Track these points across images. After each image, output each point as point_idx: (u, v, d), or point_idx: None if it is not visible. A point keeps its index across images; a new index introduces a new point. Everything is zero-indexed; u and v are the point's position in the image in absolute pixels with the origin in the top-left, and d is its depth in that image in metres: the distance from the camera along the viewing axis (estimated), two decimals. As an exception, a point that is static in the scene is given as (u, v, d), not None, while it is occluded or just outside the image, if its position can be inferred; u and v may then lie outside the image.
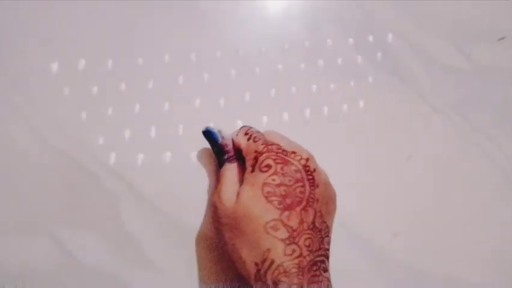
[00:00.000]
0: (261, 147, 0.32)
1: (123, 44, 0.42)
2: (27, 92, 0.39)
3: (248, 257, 0.29)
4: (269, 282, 0.28)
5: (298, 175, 0.31)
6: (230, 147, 0.36)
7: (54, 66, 0.40)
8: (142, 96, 0.41)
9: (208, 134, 0.36)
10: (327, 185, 0.33)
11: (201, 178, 0.39)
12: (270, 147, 0.32)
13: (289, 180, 0.31)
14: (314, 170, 0.32)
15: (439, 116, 0.46)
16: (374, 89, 0.45)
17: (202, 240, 0.37)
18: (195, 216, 0.38)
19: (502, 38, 0.50)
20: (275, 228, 0.29)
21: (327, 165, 0.41)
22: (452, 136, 0.45)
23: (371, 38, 0.47)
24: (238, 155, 0.35)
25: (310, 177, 0.31)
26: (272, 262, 0.28)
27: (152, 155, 0.39)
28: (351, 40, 0.47)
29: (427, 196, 0.43)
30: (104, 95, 0.40)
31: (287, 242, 0.29)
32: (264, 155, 0.32)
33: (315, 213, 0.30)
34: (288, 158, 0.32)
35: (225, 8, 0.46)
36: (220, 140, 0.36)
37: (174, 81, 0.42)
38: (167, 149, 0.40)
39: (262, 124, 0.42)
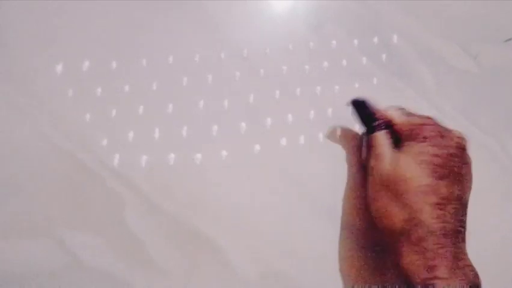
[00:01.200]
0: (417, 120, 0.35)
1: (127, 46, 0.42)
2: (32, 94, 0.39)
3: (398, 214, 0.32)
4: (414, 238, 0.31)
5: (451, 150, 0.33)
6: (380, 115, 0.38)
7: (59, 68, 0.40)
8: (146, 97, 0.41)
9: (358, 102, 0.39)
10: (471, 167, 0.35)
11: (206, 179, 0.39)
12: (426, 120, 0.35)
13: (443, 153, 0.33)
14: (465, 148, 0.34)
15: (445, 118, 0.45)
16: (378, 90, 0.45)
17: (347, 228, 0.39)
18: (200, 217, 0.38)
19: (509, 39, 0.50)
20: (426, 193, 0.31)
21: (333, 166, 0.41)
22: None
23: (376, 39, 0.47)
24: (387, 127, 0.37)
25: (462, 154, 0.34)
26: (420, 221, 0.31)
27: (156, 157, 0.39)
28: (356, 41, 0.47)
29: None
30: (108, 96, 0.40)
31: (436, 207, 0.31)
32: (422, 127, 0.34)
33: (462, 188, 0.33)
34: (444, 133, 0.34)
35: (229, 9, 0.46)
36: (370, 108, 0.39)
37: (178, 83, 0.42)
38: (171, 151, 0.40)
39: (267, 126, 0.42)
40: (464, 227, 0.33)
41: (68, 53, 0.41)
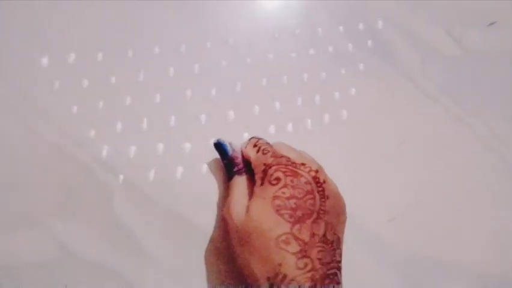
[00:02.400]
0: (270, 160, 0.32)
1: (113, 37, 0.42)
2: (18, 86, 0.39)
3: (260, 272, 0.29)
4: None
5: (308, 187, 0.31)
6: (240, 159, 0.36)
7: (44, 60, 0.40)
8: (133, 88, 0.41)
9: (219, 146, 0.37)
10: (337, 196, 0.33)
11: (194, 168, 0.39)
12: (279, 159, 0.32)
13: (300, 193, 0.30)
14: (324, 181, 0.31)
15: (431, 101, 0.46)
16: (365, 76, 0.45)
17: (212, 253, 0.37)
18: (189, 206, 0.38)
19: (492, 23, 0.50)
20: (286, 242, 0.29)
21: (321, 153, 0.42)
22: (444, 121, 0.45)
23: (361, 26, 0.47)
24: (248, 168, 0.35)
25: (320, 188, 0.31)
26: (285, 276, 0.28)
27: (144, 147, 0.39)
28: (341, 28, 0.47)
29: (421, 180, 0.43)
30: (94, 88, 0.40)
31: (299, 255, 0.28)
32: (273, 167, 0.31)
33: (326, 225, 0.30)
34: (298, 170, 0.31)
35: (214, -2, 0.46)
36: (230, 153, 0.36)
37: (165, 73, 0.42)
38: (160, 141, 0.40)
39: (254, 114, 0.42)
40: (337, 267, 0.30)
41: (53, 45, 0.41)
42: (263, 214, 0.30)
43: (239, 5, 0.46)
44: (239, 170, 0.35)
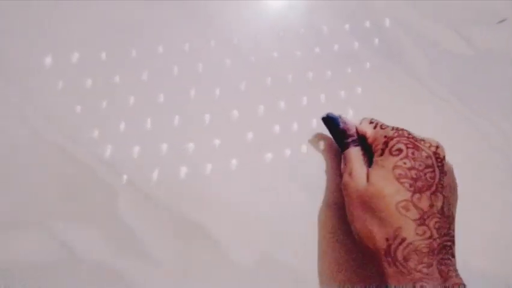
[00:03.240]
0: (391, 133, 0.34)
1: (116, 36, 0.42)
2: (21, 86, 0.39)
3: (379, 233, 0.30)
4: (399, 257, 0.29)
5: (429, 161, 0.32)
6: (353, 131, 0.37)
7: (48, 60, 0.40)
8: (137, 88, 0.41)
9: (329, 119, 0.38)
10: (453, 175, 0.34)
11: (198, 168, 0.39)
12: (400, 132, 0.33)
13: (420, 165, 0.31)
14: (444, 157, 0.33)
15: (439, 100, 0.45)
16: (371, 75, 0.45)
17: (329, 219, 0.39)
18: (192, 206, 0.38)
19: (502, 21, 0.49)
20: (406, 208, 0.30)
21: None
22: (451, 120, 0.45)
23: (367, 24, 0.47)
24: (361, 141, 0.37)
25: (440, 164, 0.32)
26: (403, 239, 0.29)
27: (148, 147, 0.39)
28: (347, 26, 0.46)
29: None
30: (98, 87, 0.40)
31: (418, 222, 0.30)
32: (395, 139, 0.33)
33: (444, 199, 0.31)
34: (419, 144, 0.32)
35: (218, -3, 0.45)
36: (341, 125, 0.37)
37: (168, 72, 0.42)
38: (163, 141, 0.39)
39: (259, 113, 0.42)
40: (452, 241, 0.31)
41: (56, 45, 0.41)
42: (384, 180, 0.31)
43: (243, 4, 0.45)
44: (353, 141, 0.37)
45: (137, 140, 0.39)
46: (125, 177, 0.38)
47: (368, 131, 0.36)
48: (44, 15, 0.42)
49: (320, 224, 0.39)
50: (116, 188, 0.38)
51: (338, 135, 0.38)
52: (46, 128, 0.38)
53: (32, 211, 0.36)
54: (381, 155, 0.33)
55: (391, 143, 0.33)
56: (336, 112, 0.39)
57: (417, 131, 0.43)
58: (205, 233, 0.37)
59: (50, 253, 0.36)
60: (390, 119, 0.43)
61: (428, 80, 0.45)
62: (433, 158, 0.32)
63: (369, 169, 0.33)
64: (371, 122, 0.36)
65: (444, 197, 0.31)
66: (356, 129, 0.37)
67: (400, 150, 0.32)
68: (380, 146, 0.33)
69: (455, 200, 0.34)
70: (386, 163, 0.32)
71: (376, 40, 0.46)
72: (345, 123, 0.37)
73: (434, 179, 0.31)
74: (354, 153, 0.36)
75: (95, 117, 0.39)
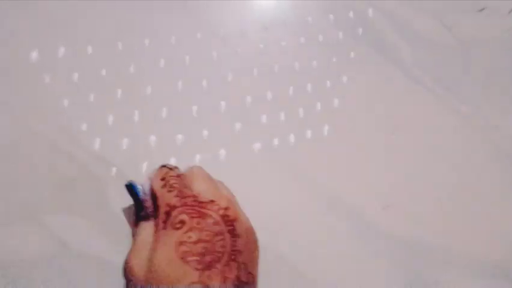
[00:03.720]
0: (174, 200, 0.29)
1: (102, 30, 0.42)
2: (8, 82, 0.39)
3: None
4: None
5: (217, 228, 0.28)
6: (149, 203, 0.32)
7: (34, 55, 0.40)
8: (124, 81, 0.41)
9: (130, 187, 0.32)
10: (249, 232, 0.31)
11: (187, 159, 0.39)
12: (183, 200, 0.29)
13: (207, 235, 0.28)
14: (235, 219, 0.29)
15: (423, 88, 0.46)
16: (356, 64, 0.46)
17: None
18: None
19: (483, 9, 0.50)
20: None
21: (313, 142, 0.42)
22: (436, 108, 0.46)
23: (351, 14, 0.47)
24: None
25: (231, 227, 0.29)
26: None
27: (136, 139, 0.39)
28: (331, 16, 0.47)
29: (415, 167, 0.43)
30: (85, 81, 0.40)
31: None
32: (177, 209, 0.29)
33: (239, 266, 0.28)
34: (205, 210, 0.29)
35: (203, -10, 0.45)
36: (141, 195, 0.32)
37: (155, 65, 0.42)
38: (152, 132, 0.40)
39: (246, 104, 0.42)
40: None
41: (42, 40, 0.41)
42: (167, 264, 0.27)
43: (228, -4, 0.46)
44: (146, 214, 0.32)
45: (126, 132, 0.39)
46: (114, 169, 0.38)
47: (157, 190, 0.31)
48: (30, 11, 0.42)
49: (310, 213, 0.40)
50: (107, 180, 0.38)
51: (137, 206, 0.33)
52: (34, 122, 0.38)
53: (23, 205, 0.36)
54: (165, 228, 0.29)
55: (173, 214, 0.28)
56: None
57: (402, 120, 0.44)
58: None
59: (42, 246, 0.36)
60: (376, 108, 0.44)
61: (411, 68, 0.46)
62: (222, 224, 0.28)
63: (153, 249, 0.28)
64: (162, 179, 0.31)
65: (239, 263, 0.28)
66: (151, 186, 0.32)
67: (183, 222, 0.28)
68: (162, 217, 0.29)
69: (257, 256, 0.31)
70: (169, 239, 0.28)
71: (360, 30, 0.47)
72: (145, 194, 0.32)
73: (226, 247, 0.28)
74: (141, 230, 0.31)
75: (83, 111, 0.39)
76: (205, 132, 0.41)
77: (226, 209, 0.29)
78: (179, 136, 0.40)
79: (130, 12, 0.43)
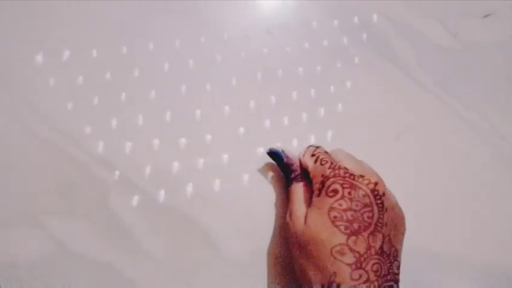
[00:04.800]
0: (327, 172, 0.32)
1: (107, 33, 0.42)
2: (13, 85, 0.39)
3: (315, 279, 0.30)
4: None
5: (366, 200, 0.31)
6: (296, 165, 0.36)
7: (39, 58, 0.40)
8: (128, 84, 0.41)
9: (272, 154, 0.38)
10: (396, 208, 0.33)
11: (190, 163, 0.39)
12: (337, 171, 0.32)
13: (357, 205, 0.30)
14: (383, 193, 0.31)
15: (427, 94, 0.46)
16: (360, 69, 0.45)
17: (271, 257, 0.38)
18: (185, 201, 0.38)
19: (488, 15, 0.50)
20: (341, 253, 0.29)
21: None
22: (441, 113, 0.45)
23: (356, 19, 0.47)
24: (305, 174, 0.36)
25: (379, 201, 0.31)
26: (339, 286, 0.28)
27: (140, 143, 0.39)
28: (336, 22, 0.47)
29: (418, 173, 0.43)
30: (89, 84, 0.40)
31: (353, 266, 0.29)
32: (331, 179, 0.32)
33: (384, 238, 0.30)
34: (356, 182, 0.31)
35: (208, -6, 0.46)
36: (284, 159, 0.37)
37: (160, 69, 0.42)
38: (155, 136, 0.40)
39: (250, 108, 0.42)
40: (394, 279, 0.30)
41: (47, 42, 0.41)
42: (320, 224, 0.30)
43: (233, 0, 0.46)
44: (296, 176, 0.36)
45: (129, 136, 0.39)
46: (117, 172, 0.38)
47: (310, 165, 0.35)
48: (34, 13, 0.42)
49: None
50: (109, 184, 0.38)
51: (283, 169, 0.37)
52: (38, 125, 0.38)
53: (25, 207, 0.36)
54: (319, 195, 0.32)
55: (327, 183, 0.32)
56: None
57: (406, 124, 0.44)
58: (197, 227, 0.38)
59: (43, 249, 0.36)
60: (380, 113, 0.44)
61: (416, 73, 0.46)
62: (371, 197, 0.31)
63: (308, 210, 0.32)
64: (312, 155, 0.35)
65: (384, 235, 0.30)
66: (300, 162, 0.36)
67: (336, 191, 0.31)
68: (318, 185, 0.32)
69: (402, 232, 0.33)
70: (322, 205, 0.31)
71: (364, 35, 0.47)
72: (288, 157, 0.37)
73: (372, 218, 0.30)
74: (295, 191, 0.35)
75: (87, 114, 0.39)
76: (208, 137, 0.41)
77: (375, 184, 0.32)
78: (183, 140, 0.40)
79: (135, 16, 0.43)
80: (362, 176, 0.32)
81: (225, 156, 0.40)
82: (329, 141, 0.42)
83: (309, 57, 0.45)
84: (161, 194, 0.38)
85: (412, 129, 0.44)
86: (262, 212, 0.39)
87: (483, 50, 0.49)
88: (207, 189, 0.39)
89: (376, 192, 0.31)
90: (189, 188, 0.39)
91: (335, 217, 0.30)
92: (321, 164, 0.33)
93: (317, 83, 0.44)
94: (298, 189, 0.35)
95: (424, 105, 0.45)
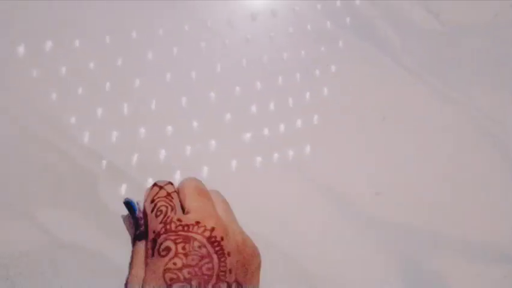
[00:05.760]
0: (158, 227, 0.29)
1: (89, 23, 0.42)
2: (-5, 77, 0.39)
3: None
4: None
5: (203, 250, 0.28)
6: (143, 222, 0.32)
7: (21, 49, 0.40)
8: (112, 73, 0.41)
9: (127, 205, 0.34)
10: (242, 246, 0.30)
11: (177, 151, 0.39)
12: (168, 226, 0.29)
13: (193, 259, 0.28)
14: (221, 238, 0.29)
15: (412, 76, 0.46)
16: (345, 53, 0.46)
17: None
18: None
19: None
20: None
21: (303, 131, 0.42)
22: (425, 95, 0.46)
23: (338, 3, 0.47)
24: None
25: (218, 247, 0.29)
26: None
27: (126, 132, 0.39)
28: (318, 6, 0.47)
29: (405, 154, 0.43)
30: (73, 74, 0.40)
31: None
32: (162, 236, 0.29)
33: (229, 285, 0.28)
34: (190, 234, 0.29)
35: (190, -19, 0.45)
36: (136, 213, 0.33)
37: (143, 57, 0.42)
38: (141, 125, 0.40)
39: (236, 94, 0.42)
40: None
41: (29, 34, 0.41)
42: None
43: (216, -13, 0.46)
44: (140, 233, 0.32)
45: (115, 125, 0.39)
46: (104, 162, 0.38)
47: (148, 215, 0.31)
48: (16, 5, 0.41)
49: (300, 202, 0.40)
50: (97, 173, 0.38)
51: (134, 223, 0.33)
52: (23, 117, 0.38)
53: (13, 199, 0.36)
54: (152, 255, 0.29)
55: (159, 241, 0.29)
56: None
57: (392, 107, 0.44)
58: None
59: (34, 241, 0.36)
60: (365, 96, 0.44)
61: (400, 56, 0.46)
62: (208, 246, 0.28)
63: (144, 276, 0.29)
64: (152, 201, 0.31)
65: (229, 283, 0.28)
66: (144, 210, 0.32)
67: (169, 249, 0.28)
68: (150, 244, 0.29)
69: (255, 269, 0.31)
70: (156, 267, 0.28)
71: (348, 19, 0.47)
72: (141, 211, 0.33)
73: (213, 269, 0.28)
74: (136, 252, 0.31)
75: (72, 104, 0.39)
76: (195, 123, 0.41)
77: (212, 230, 0.29)
78: (169, 128, 0.40)
79: (117, 5, 0.43)
80: (197, 223, 0.29)
81: (212, 143, 0.40)
82: (316, 125, 0.42)
83: (293, 42, 0.45)
84: (149, 182, 0.38)
85: (397, 111, 0.44)
86: (250, 198, 0.39)
87: (466, 30, 0.49)
88: (195, 176, 0.39)
89: (213, 239, 0.29)
90: (177, 175, 0.39)
91: (171, 279, 0.27)
92: (156, 216, 0.30)
93: (302, 67, 0.44)
94: (139, 250, 0.31)
95: (409, 87, 0.46)
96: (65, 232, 0.36)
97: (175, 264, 0.28)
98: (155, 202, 0.31)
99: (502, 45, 0.49)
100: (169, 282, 0.27)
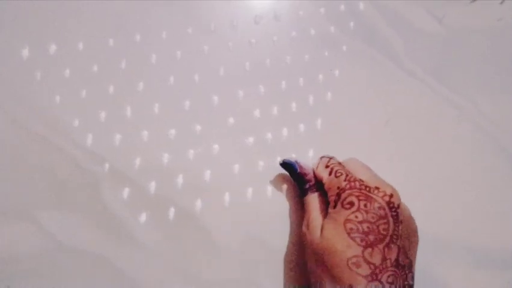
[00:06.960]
0: (343, 184, 0.33)
1: (93, 26, 0.42)
2: (0, 79, 0.39)
3: None
4: None
5: (381, 212, 0.31)
6: (310, 175, 0.37)
7: (25, 52, 0.40)
8: (116, 77, 0.41)
9: (286, 165, 0.38)
10: (410, 220, 0.33)
11: (180, 154, 0.39)
12: (352, 183, 0.32)
13: (373, 217, 0.31)
14: (398, 205, 0.32)
15: (415, 80, 0.46)
16: (348, 57, 0.46)
17: (288, 263, 0.38)
18: (176, 192, 0.38)
19: (474, 0, 0.50)
20: (357, 265, 0.29)
21: (306, 135, 0.42)
22: (428, 99, 0.46)
23: (342, 7, 0.47)
24: (319, 186, 0.36)
25: (394, 213, 0.31)
26: None
27: (129, 135, 0.39)
28: (322, 10, 0.47)
29: (408, 158, 0.43)
30: (77, 77, 0.40)
31: (369, 278, 0.29)
32: (347, 191, 0.32)
33: (399, 249, 0.30)
34: (372, 195, 0.32)
35: (194, -15, 0.45)
36: (298, 170, 0.37)
37: (147, 60, 0.42)
38: (144, 128, 0.40)
39: (239, 98, 0.42)
40: None
41: (33, 36, 0.41)
42: (335, 236, 0.30)
43: (219, -9, 0.46)
44: (310, 186, 0.36)
45: (118, 128, 0.39)
46: (107, 165, 0.38)
47: (324, 176, 0.35)
48: (20, 7, 0.42)
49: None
50: (100, 176, 0.38)
51: (297, 180, 0.38)
52: (27, 119, 0.38)
53: (15, 201, 0.36)
54: (335, 206, 0.32)
55: (343, 196, 0.32)
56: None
57: (395, 111, 0.44)
58: (190, 217, 0.38)
59: (37, 243, 0.36)
60: (368, 100, 0.44)
61: (403, 60, 0.46)
62: (386, 209, 0.31)
63: (324, 221, 0.32)
64: (326, 166, 0.35)
65: (399, 247, 0.30)
66: (313, 175, 0.37)
67: (352, 204, 0.31)
68: (333, 197, 0.33)
69: (415, 244, 0.33)
70: (338, 216, 0.31)
71: (351, 23, 0.47)
72: (302, 167, 0.37)
73: (388, 230, 0.30)
74: (311, 201, 0.35)
75: (75, 107, 0.39)
76: (198, 127, 0.41)
77: (390, 196, 0.32)
78: (172, 131, 0.40)
79: (121, 8, 0.43)
80: (377, 188, 0.32)
81: (215, 147, 0.40)
82: (319, 129, 0.42)
83: (296, 46, 0.45)
84: (152, 185, 0.38)
85: (401, 116, 0.44)
86: (253, 200, 0.39)
87: (470, 35, 0.49)
88: (198, 179, 0.39)
89: (391, 205, 0.31)
90: (180, 179, 0.39)
91: (351, 229, 0.30)
92: (336, 176, 0.34)
93: (305, 71, 0.44)
94: (314, 200, 0.35)
95: (412, 91, 0.46)
96: (67, 235, 0.36)
97: (356, 217, 0.31)
98: (330, 167, 0.35)
99: (505, 49, 0.49)
100: (348, 231, 0.30)
